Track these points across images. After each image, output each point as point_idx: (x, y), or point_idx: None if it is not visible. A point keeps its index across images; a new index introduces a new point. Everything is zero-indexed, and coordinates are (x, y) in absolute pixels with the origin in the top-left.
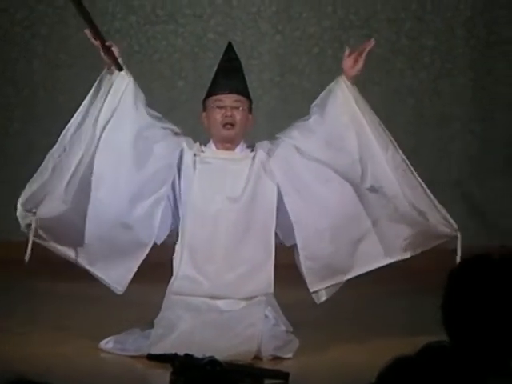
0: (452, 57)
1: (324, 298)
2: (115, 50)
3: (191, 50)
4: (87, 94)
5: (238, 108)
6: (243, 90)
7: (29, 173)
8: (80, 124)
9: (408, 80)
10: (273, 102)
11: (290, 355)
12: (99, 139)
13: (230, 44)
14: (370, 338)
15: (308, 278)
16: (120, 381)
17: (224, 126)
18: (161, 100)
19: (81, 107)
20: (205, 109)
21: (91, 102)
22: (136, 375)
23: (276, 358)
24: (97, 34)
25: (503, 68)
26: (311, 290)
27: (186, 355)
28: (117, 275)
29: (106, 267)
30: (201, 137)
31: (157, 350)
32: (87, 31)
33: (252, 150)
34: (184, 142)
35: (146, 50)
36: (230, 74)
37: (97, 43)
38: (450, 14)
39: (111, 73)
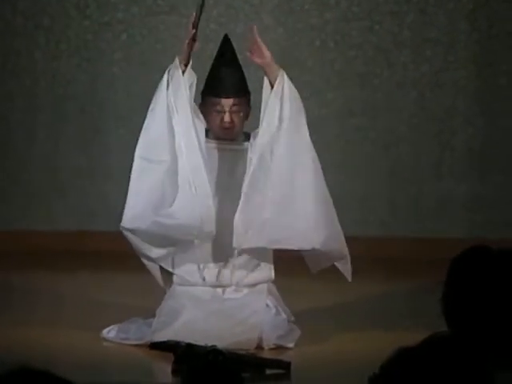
0: (454, 50)
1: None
2: (196, 45)
3: None
4: (87, 84)
5: (236, 111)
6: (240, 90)
7: (29, 163)
8: (156, 123)
9: (410, 73)
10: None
11: (291, 345)
12: (174, 137)
13: (225, 37)
14: (372, 329)
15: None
16: (122, 370)
17: (222, 128)
18: None
19: (152, 104)
20: (202, 100)
21: (161, 97)
22: (138, 364)
23: (277, 348)
24: (197, 24)
25: (505, 61)
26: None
27: (188, 344)
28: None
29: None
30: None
31: (159, 338)
32: (192, 17)
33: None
34: None
35: (148, 41)
36: (226, 74)
37: (191, 32)
38: (452, 6)
39: (182, 68)
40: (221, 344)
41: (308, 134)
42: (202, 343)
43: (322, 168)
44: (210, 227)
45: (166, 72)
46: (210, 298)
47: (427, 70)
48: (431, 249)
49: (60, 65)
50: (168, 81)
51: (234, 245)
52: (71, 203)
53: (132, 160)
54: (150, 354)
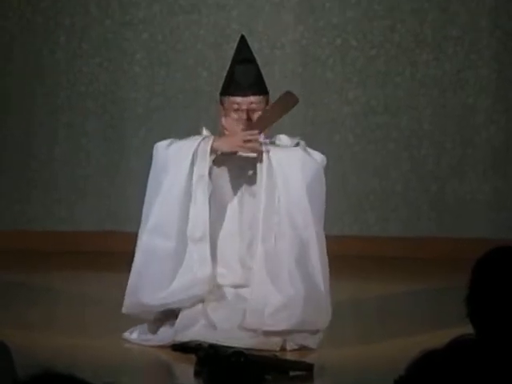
0: (476, 48)
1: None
2: None
3: (214, 41)
4: (109, 84)
5: (254, 110)
6: (259, 89)
7: (50, 163)
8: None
9: (432, 71)
10: (295, 93)
11: (314, 346)
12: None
13: (242, 37)
14: (395, 333)
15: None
16: (145, 372)
17: (241, 128)
18: (184, 90)
19: (169, 170)
20: (221, 102)
21: (182, 174)
22: (160, 366)
23: (300, 349)
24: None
25: None
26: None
27: (211, 346)
28: None
29: None
30: None
31: (182, 338)
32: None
33: (270, 142)
34: None
35: (169, 40)
36: (244, 74)
37: (244, 141)
38: (474, 4)
39: (211, 159)
40: (244, 344)
41: (309, 204)
42: (225, 344)
43: (344, 168)
44: (211, 286)
45: (194, 147)
46: (232, 297)
47: (449, 68)
48: (454, 249)
49: (81, 64)
50: (193, 160)
51: (245, 325)
52: (92, 203)
53: (150, 159)
54: (172, 355)
